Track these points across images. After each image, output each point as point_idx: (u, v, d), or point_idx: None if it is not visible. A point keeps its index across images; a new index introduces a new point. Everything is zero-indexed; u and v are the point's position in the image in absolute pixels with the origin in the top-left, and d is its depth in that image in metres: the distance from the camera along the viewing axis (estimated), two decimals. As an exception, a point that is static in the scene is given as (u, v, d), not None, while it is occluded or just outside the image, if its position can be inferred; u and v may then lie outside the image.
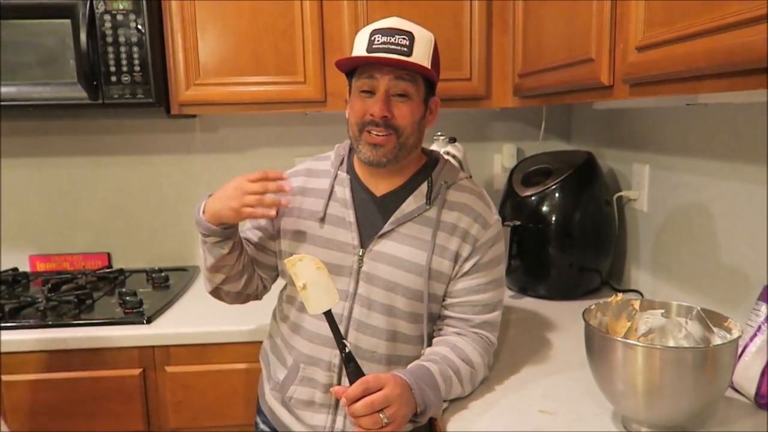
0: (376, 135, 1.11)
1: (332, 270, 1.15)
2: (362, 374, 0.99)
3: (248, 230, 1.30)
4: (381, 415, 0.96)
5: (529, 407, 1.08)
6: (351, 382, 0.98)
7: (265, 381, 1.31)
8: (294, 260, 1.03)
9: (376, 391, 0.97)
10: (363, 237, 1.17)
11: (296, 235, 1.21)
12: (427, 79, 1.14)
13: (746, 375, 1.06)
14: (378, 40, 1.09)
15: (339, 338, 1.01)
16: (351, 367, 1.00)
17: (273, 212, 1.11)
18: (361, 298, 1.16)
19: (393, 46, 1.08)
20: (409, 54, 1.08)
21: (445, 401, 1.09)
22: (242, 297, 1.30)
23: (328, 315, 1.01)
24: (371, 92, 1.12)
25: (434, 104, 1.20)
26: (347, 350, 1.01)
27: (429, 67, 1.10)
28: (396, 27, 1.10)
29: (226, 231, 1.15)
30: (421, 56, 1.10)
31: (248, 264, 1.26)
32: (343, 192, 1.20)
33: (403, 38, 1.09)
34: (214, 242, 1.16)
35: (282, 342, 1.25)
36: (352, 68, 1.16)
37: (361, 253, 1.16)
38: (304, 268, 1.02)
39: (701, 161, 1.37)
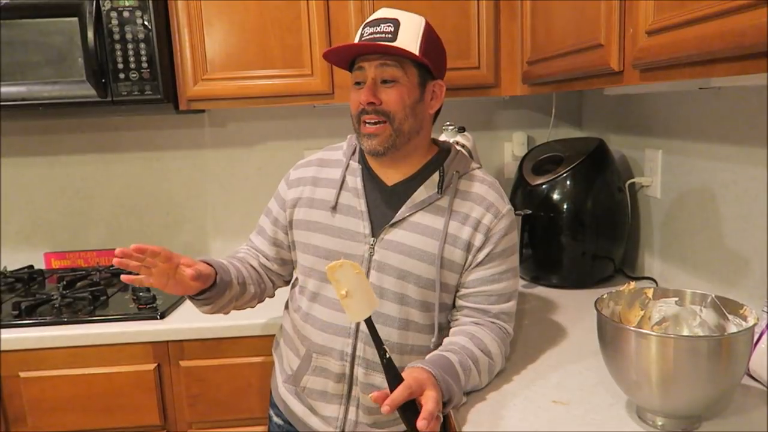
0: (369, 124, 1.13)
1: (344, 259, 1.15)
2: (401, 379, 0.96)
3: (257, 235, 1.31)
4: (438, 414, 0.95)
5: (543, 397, 1.07)
6: (391, 387, 0.95)
7: (278, 373, 1.32)
8: (335, 267, 0.98)
9: (419, 394, 0.95)
10: (374, 226, 1.17)
11: (308, 224, 1.21)
12: (421, 63, 1.13)
13: (763, 362, 1.05)
14: (366, 33, 1.12)
15: (379, 344, 0.97)
16: (391, 373, 0.96)
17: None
18: (373, 287, 1.15)
19: (378, 35, 1.10)
20: (393, 40, 1.09)
21: (464, 393, 1.08)
22: (254, 305, 1.32)
23: (369, 321, 0.98)
24: (363, 82, 1.14)
25: (437, 88, 1.19)
26: (387, 356, 0.97)
27: (416, 51, 1.10)
28: (381, 16, 1.13)
29: (197, 300, 1.19)
30: (408, 41, 1.10)
31: (248, 291, 1.26)
32: (355, 181, 1.20)
33: (388, 26, 1.10)
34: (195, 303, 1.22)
35: (294, 332, 1.26)
36: (349, 64, 1.18)
37: (372, 242, 1.16)
38: (345, 274, 0.98)
39: (715, 146, 1.35)
